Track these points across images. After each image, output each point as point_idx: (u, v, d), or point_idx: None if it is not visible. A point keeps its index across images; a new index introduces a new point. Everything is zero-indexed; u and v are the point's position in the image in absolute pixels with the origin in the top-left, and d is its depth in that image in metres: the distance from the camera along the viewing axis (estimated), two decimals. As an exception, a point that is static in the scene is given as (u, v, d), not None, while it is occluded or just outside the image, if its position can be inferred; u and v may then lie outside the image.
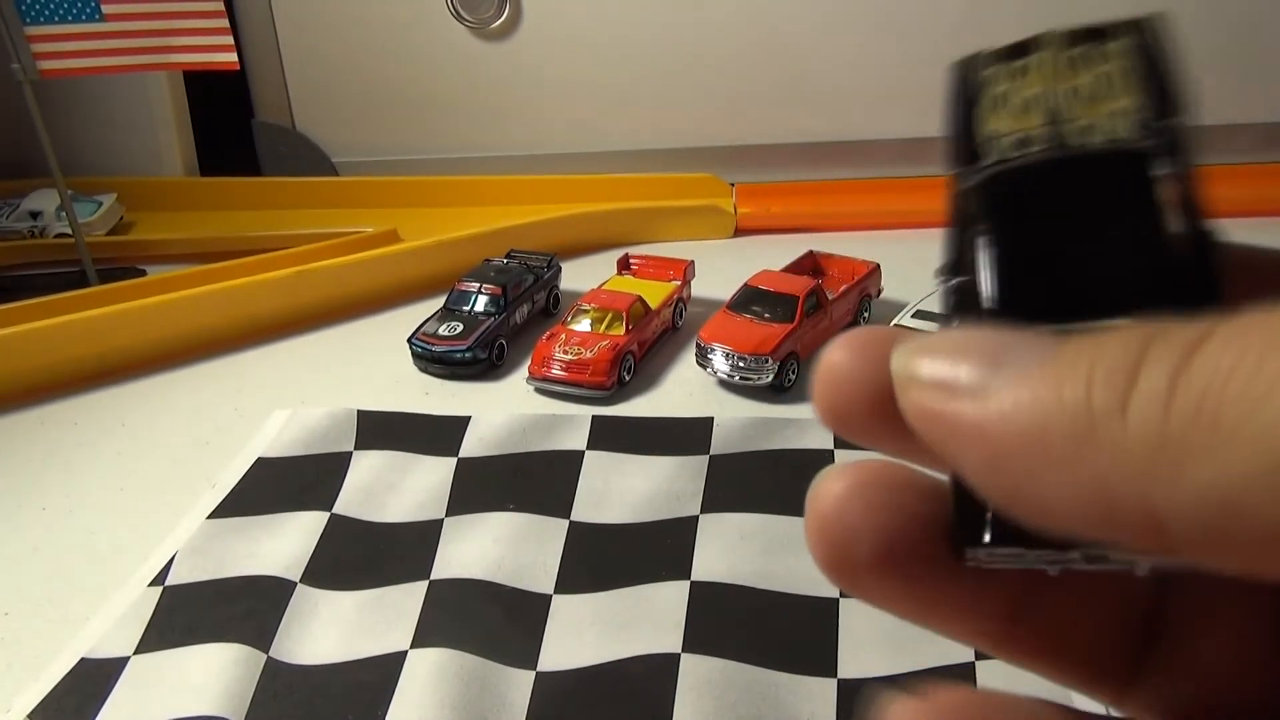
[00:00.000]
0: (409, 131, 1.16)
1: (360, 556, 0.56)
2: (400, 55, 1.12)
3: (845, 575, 0.14)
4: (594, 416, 0.67)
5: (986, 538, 0.13)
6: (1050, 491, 0.11)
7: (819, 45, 1.08)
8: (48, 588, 0.55)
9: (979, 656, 0.47)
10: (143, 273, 0.95)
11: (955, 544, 0.13)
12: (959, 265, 0.14)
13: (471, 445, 0.64)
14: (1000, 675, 0.46)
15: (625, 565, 0.54)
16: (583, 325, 0.75)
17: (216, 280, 0.82)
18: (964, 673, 0.46)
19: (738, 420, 0.66)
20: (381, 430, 0.66)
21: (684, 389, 0.72)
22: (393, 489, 0.61)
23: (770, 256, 0.81)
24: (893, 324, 0.70)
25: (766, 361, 0.69)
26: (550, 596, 0.52)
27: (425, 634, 0.49)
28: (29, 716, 0.46)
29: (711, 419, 0.66)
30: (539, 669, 0.47)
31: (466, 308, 0.78)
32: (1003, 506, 0.12)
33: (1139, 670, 0.15)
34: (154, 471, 0.65)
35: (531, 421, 0.66)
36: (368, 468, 0.63)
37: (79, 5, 0.80)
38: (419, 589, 0.52)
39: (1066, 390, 0.11)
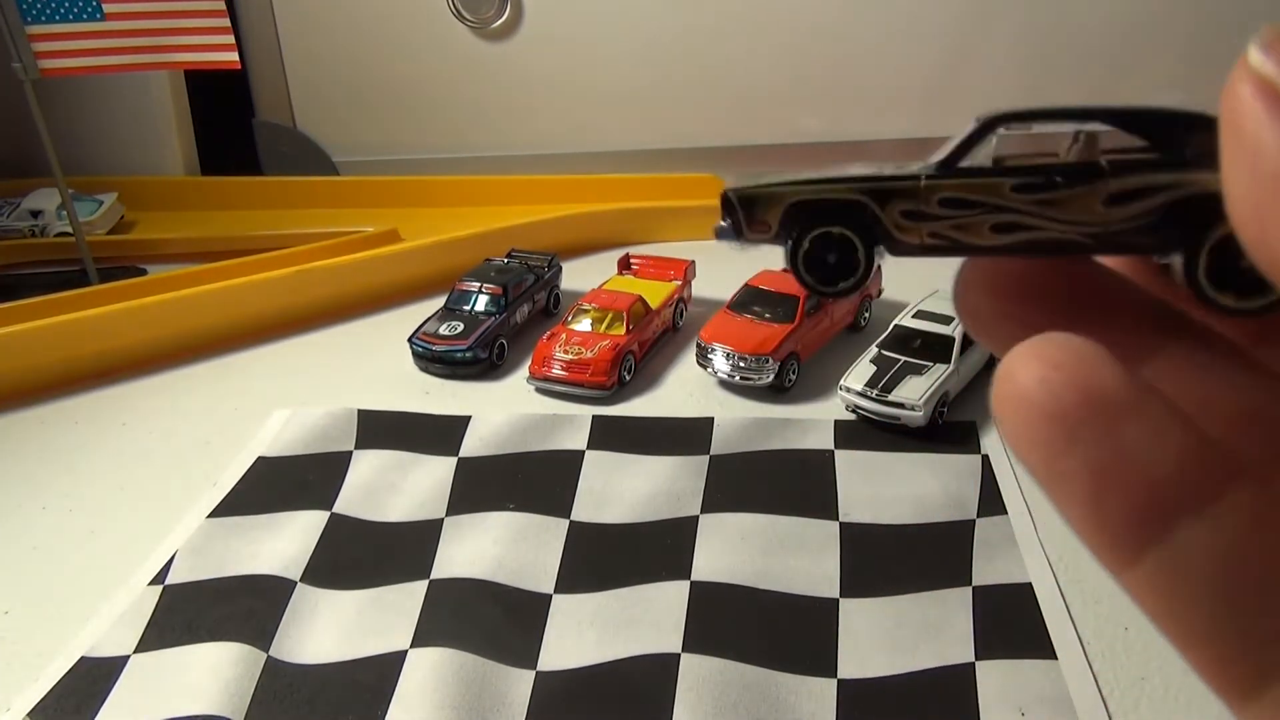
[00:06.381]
0: (409, 131, 1.16)
1: (360, 556, 0.55)
2: (401, 55, 1.13)
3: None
4: (594, 416, 0.67)
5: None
6: None
7: (819, 46, 1.08)
8: (48, 587, 0.55)
9: (979, 657, 0.47)
10: (143, 272, 0.95)
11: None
12: None
13: (472, 445, 0.64)
14: (995, 679, 0.46)
15: (625, 565, 0.54)
16: (583, 325, 0.75)
17: (216, 280, 0.82)
18: (964, 673, 0.46)
19: (738, 420, 0.66)
20: (382, 430, 0.66)
21: (684, 389, 0.72)
22: (393, 488, 0.61)
23: (771, 257, 0.80)
24: (893, 324, 0.70)
25: (767, 361, 0.69)
26: (550, 596, 0.52)
27: (425, 633, 0.49)
28: (29, 715, 0.46)
29: (712, 419, 0.66)
30: (539, 668, 0.47)
31: (467, 307, 0.78)
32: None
33: None
34: (154, 471, 0.65)
35: (532, 421, 0.66)
36: (368, 467, 0.63)
37: (80, 4, 0.80)
38: (419, 588, 0.52)
39: None
